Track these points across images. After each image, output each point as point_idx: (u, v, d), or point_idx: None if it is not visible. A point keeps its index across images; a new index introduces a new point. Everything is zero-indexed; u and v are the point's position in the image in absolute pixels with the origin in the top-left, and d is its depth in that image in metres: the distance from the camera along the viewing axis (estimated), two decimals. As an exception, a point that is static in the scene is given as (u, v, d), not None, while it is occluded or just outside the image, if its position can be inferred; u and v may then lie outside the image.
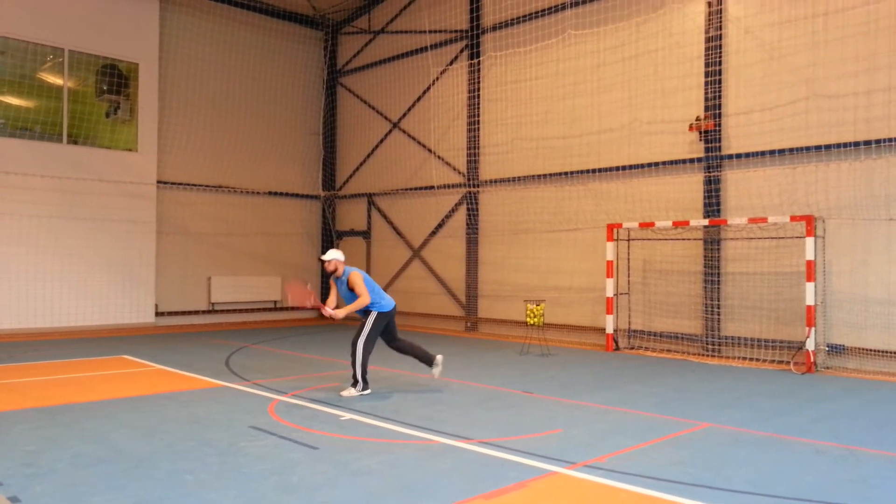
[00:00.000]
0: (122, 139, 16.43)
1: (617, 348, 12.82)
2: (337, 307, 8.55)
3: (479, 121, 16.24)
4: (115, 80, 15.99)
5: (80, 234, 15.44)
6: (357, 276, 8.30)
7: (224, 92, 18.21)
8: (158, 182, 16.72)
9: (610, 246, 12.83)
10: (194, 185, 17.54)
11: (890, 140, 10.32)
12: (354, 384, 8.35)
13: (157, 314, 16.75)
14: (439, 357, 8.75)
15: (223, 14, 18.04)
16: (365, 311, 8.38)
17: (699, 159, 12.44)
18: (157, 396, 8.20)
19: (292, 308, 19.47)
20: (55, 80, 15.41)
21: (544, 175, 14.78)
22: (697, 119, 12.38)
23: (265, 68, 18.99)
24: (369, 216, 19.21)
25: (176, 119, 17.15)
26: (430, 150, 17.37)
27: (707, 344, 12.13)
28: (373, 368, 10.46)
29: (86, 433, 6.39)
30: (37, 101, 15.25)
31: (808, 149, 11.17)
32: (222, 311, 18.09)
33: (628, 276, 13.28)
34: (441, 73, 17.12)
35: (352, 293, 8.31)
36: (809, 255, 10.51)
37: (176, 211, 17.30)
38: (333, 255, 8.39)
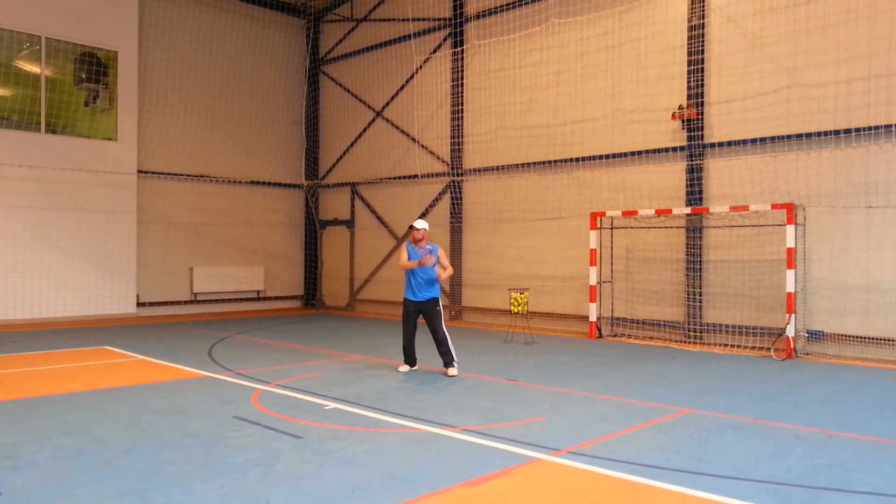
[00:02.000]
0: (101, 128, 16.22)
1: (600, 336, 12.90)
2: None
3: (462, 109, 16.20)
4: (94, 68, 15.77)
5: (59, 225, 15.25)
6: (443, 251, 9.37)
7: (205, 80, 18.01)
8: (139, 171, 16.54)
9: (593, 234, 12.88)
10: (175, 174, 17.37)
11: (869, 128, 10.42)
12: (453, 362, 9.08)
13: (139, 304, 16.62)
14: (403, 368, 9.41)
15: (203, 1, 17.83)
16: (435, 300, 9.14)
17: (682, 148, 12.50)
18: (139, 387, 8.14)
19: (276, 298, 19.41)
20: (32, 68, 15.16)
21: (528, 164, 14.79)
22: (680, 108, 12.42)
23: (246, 56, 18.80)
24: (353, 205, 19.14)
25: (156, 108, 16.95)
26: (413, 139, 17.31)
27: (689, 331, 12.24)
28: (359, 358, 10.47)
29: (67, 425, 6.33)
30: (13, 89, 15.00)
31: (788, 137, 11.26)
32: (205, 302, 17.98)
33: (611, 265, 13.34)
34: (424, 62, 17.04)
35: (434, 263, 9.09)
36: (790, 243, 10.61)
37: (157, 201, 17.13)
38: (425, 225, 9.21)
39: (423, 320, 9.19)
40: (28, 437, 5.89)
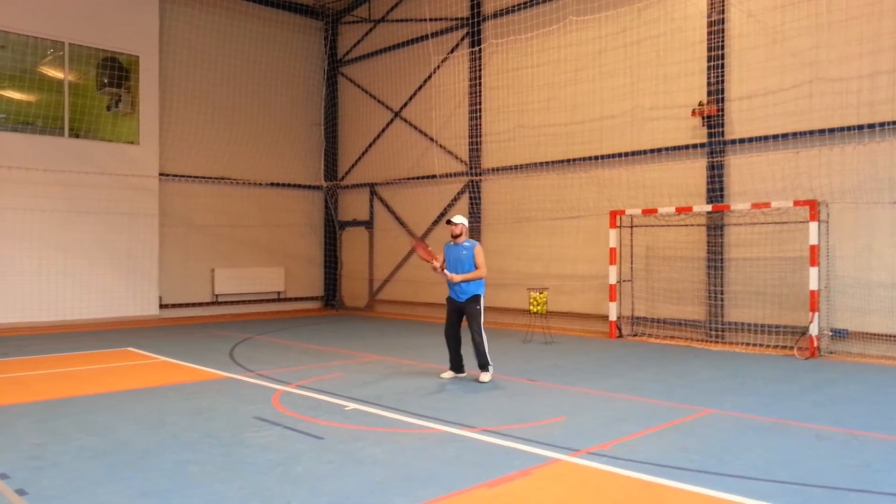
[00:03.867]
0: (123, 132, 16.42)
1: (620, 335, 12.81)
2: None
3: (480, 109, 16.18)
4: (116, 72, 15.96)
5: (82, 228, 15.46)
6: (481, 249, 8.62)
7: (225, 83, 18.16)
8: (160, 174, 16.72)
9: (613, 233, 12.80)
10: (196, 177, 17.52)
11: (894, 123, 10.25)
12: (486, 367, 8.59)
13: (161, 306, 16.79)
14: (447, 374, 8.91)
15: (222, 5, 17.96)
16: (475, 298, 8.58)
17: (702, 145, 12.38)
18: (161, 388, 8.23)
19: (296, 299, 19.53)
20: (56, 73, 15.38)
21: (547, 162, 14.73)
22: (700, 104, 12.30)
23: (265, 59, 18.92)
24: (371, 206, 19.19)
25: (177, 111, 17.11)
26: (431, 139, 17.32)
27: (710, 330, 12.12)
28: (379, 358, 10.50)
29: (90, 426, 6.42)
30: (38, 94, 15.24)
31: (811, 133, 11.10)
32: (226, 303, 18.13)
33: (631, 263, 13.25)
34: (442, 62, 17.04)
35: (470, 262, 8.52)
36: (813, 240, 10.47)
37: (178, 203, 17.30)
38: (463, 220, 8.67)
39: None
40: (53, 438, 5.98)
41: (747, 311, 11.80)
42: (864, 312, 10.57)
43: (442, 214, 17.05)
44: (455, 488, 4.68)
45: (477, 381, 8.54)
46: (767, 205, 11.02)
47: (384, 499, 4.51)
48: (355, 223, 19.70)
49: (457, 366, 8.84)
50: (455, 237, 8.66)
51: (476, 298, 8.62)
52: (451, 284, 8.60)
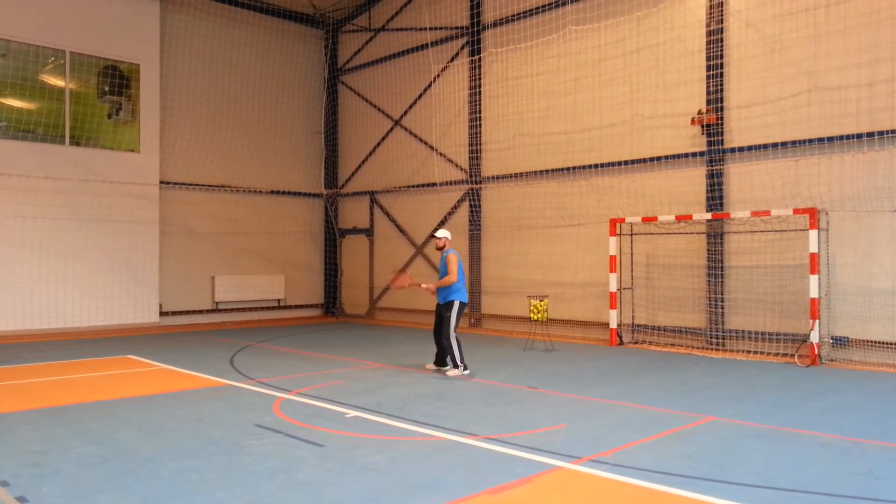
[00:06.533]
0: (124, 140, 16.45)
1: (621, 343, 12.81)
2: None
3: (480, 117, 16.22)
4: (117, 81, 16.01)
5: (83, 235, 15.47)
6: (453, 257, 9.55)
7: (225, 91, 18.21)
8: (161, 182, 16.74)
9: (613, 241, 12.82)
10: (197, 184, 17.55)
11: (893, 132, 10.28)
12: (455, 367, 9.49)
13: (162, 314, 16.79)
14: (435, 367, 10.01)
15: (223, 14, 18.04)
16: (448, 303, 9.48)
17: (701, 153, 12.42)
18: (162, 396, 8.22)
19: (296, 306, 19.52)
20: (57, 81, 15.43)
21: (546, 171, 14.76)
22: (699, 113, 12.35)
23: (266, 67, 18.98)
24: (372, 214, 19.21)
25: (178, 119, 17.16)
26: (431, 148, 17.36)
27: (711, 338, 12.12)
28: (379, 366, 10.49)
29: (91, 433, 6.41)
30: (39, 103, 15.27)
31: (810, 141, 11.14)
32: (226, 310, 18.12)
33: (631, 271, 13.26)
34: (442, 70, 17.10)
35: (444, 269, 9.58)
36: (813, 248, 10.49)
37: (179, 211, 17.33)
38: (445, 234, 9.81)
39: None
40: (54, 446, 5.97)
41: (748, 318, 11.81)
42: (865, 320, 10.58)
43: (442, 222, 17.07)
44: (457, 496, 4.67)
45: (445, 373, 9.60)
46: (767, 213, 11.05)
47: (386, 506, 4.50)
48: (355, 231, 19.72)
49: (439, 360, 9.83)
50: (439, 249, 9.73)
51: (449, 305, 9.49)
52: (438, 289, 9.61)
